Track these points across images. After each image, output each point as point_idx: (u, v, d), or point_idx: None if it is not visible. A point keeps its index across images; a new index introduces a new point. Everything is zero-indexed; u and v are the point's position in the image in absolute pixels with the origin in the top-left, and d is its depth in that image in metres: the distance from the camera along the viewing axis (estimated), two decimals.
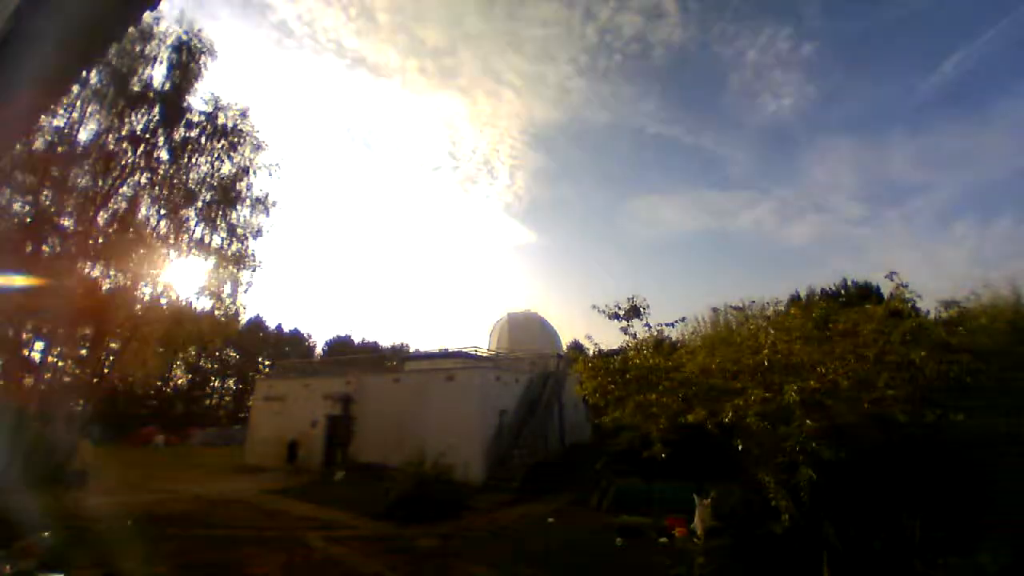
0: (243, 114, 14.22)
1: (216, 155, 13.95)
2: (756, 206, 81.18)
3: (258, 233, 15.01)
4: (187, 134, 13.56)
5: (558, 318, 72.27)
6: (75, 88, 10.83)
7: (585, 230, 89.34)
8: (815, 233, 76.16)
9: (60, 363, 11.75)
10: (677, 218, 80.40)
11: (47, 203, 11.77)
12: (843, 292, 22.63)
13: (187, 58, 13.38)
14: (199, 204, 13.89)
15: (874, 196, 76.12)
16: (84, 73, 8.46)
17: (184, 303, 14.17)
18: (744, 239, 78.83)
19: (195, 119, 13.61)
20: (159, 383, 39.04)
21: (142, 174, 13.02)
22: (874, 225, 74.37)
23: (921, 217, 79.39)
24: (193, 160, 13.70)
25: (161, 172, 13.22)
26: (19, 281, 10.98)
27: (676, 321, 8.75)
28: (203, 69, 13.73)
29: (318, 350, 55.14)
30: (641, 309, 7.96)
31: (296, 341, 55.30)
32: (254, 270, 15.34)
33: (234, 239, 14.70)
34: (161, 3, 1.20)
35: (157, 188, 13.21)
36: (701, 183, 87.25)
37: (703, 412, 7.67)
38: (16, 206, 11.54)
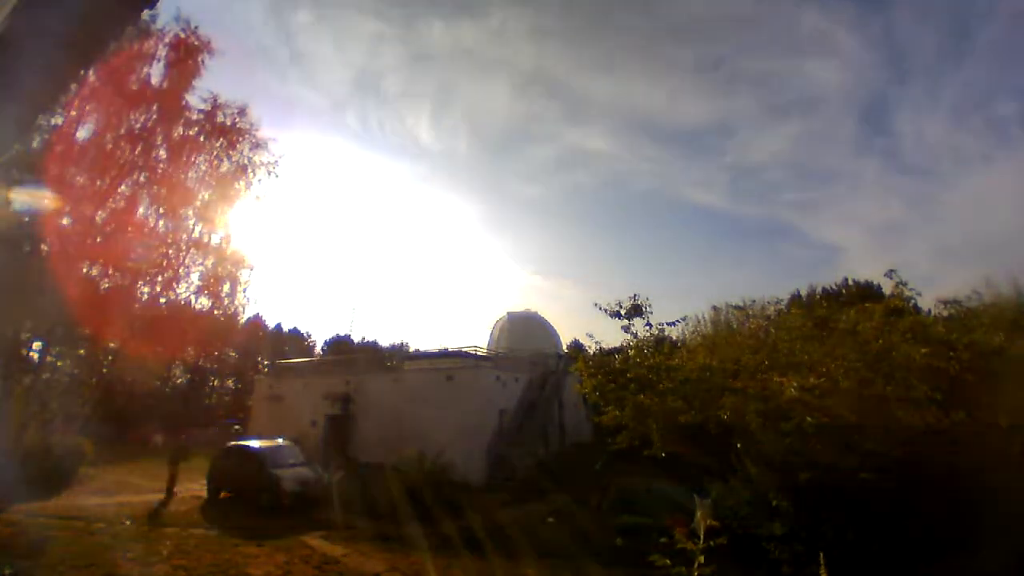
0: (241, 112, 14.21)
1: (214, 153, 13.95)
2: None
3: (257, 232, 15.06)
4: (185, 132, 13.56)
5: (558, 317, 72.07)
6: (74, 87, 10.79)
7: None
8: None
9: (59, 363, 11.73)
10: None
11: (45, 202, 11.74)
12: (844, 291, 22.70)
13: (185, 56, 13.35)
14: (197, 203, 13.89)
15: None
16: (84, 72, 8.44)
17: (183, 303, 14.15)
18: None
19: (193, 117, 13.61)
20: (158, 383, 38.90)
21: (140, 173, 12.99)
22: None
23: None
24: (191, 158, 13.69)
25: (159, 171, 13.20)
26: (17, 280, 10.96)
27: (677, 320, 8.79)
28: (201, 67, 13.70)
29: (318, 349, 55.05)
30: (643, 308, 7.97)
31: (296, 340, 55.19)
32: (252, 269, 15.36)
33: (233, 237, 14.71)
34: (160, 2, 1.19)
35: (155, 187, 13.19)
36: None
37: (703, 412, 7.69)
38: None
